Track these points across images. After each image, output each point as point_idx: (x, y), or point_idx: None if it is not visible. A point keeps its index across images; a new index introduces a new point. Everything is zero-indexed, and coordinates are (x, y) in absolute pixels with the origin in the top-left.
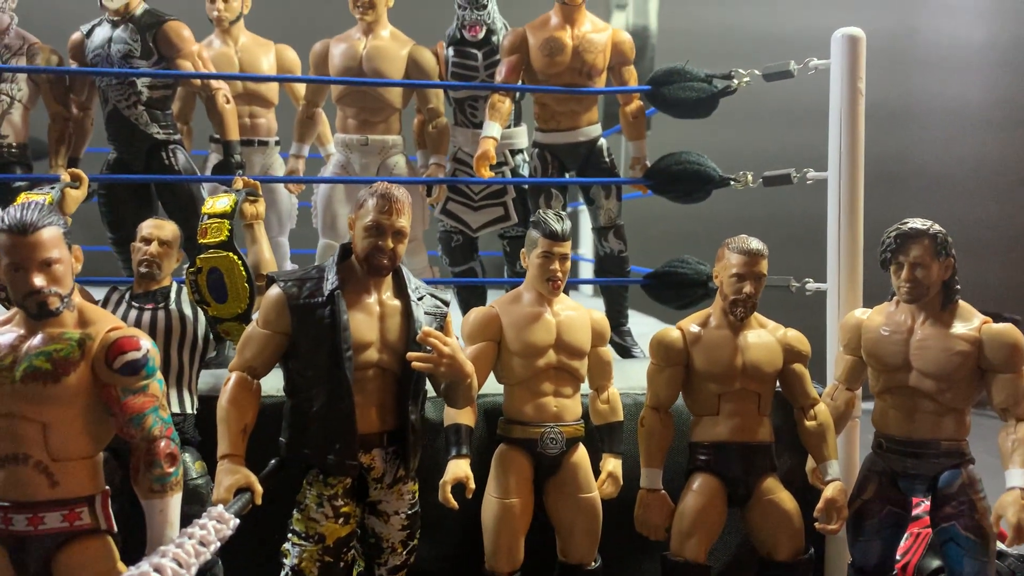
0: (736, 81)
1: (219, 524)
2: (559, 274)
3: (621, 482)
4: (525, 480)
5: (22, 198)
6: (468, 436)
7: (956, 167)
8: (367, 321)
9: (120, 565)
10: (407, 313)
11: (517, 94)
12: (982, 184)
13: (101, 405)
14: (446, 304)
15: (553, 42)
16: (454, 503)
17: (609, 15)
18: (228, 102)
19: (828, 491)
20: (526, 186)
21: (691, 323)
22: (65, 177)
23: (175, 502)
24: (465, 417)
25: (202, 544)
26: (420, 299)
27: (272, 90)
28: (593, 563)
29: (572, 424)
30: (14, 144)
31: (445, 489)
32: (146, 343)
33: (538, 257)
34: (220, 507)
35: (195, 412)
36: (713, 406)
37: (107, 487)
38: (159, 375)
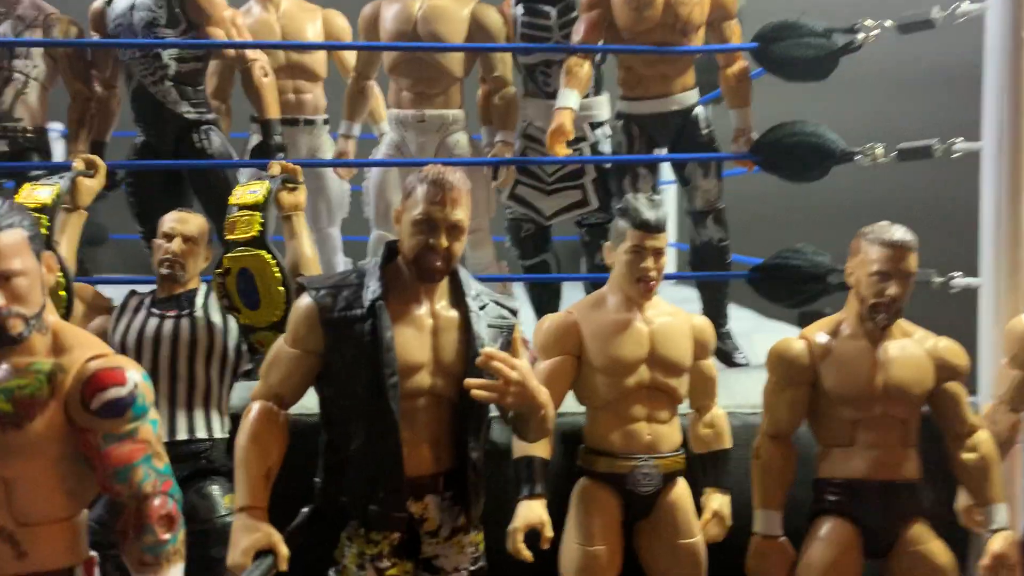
0: (862, 35)
1: None
2: (652, 273)
3: (729, 522)
4: (613, 523)
5: (26, 189)
6: (543, 471)
7: None
8: (417, 338)
9: None
10: (466, 326)
11: (598, 57)
12: None
13: (79, 454)
14: (514, 313)
15: None
16: (527, 554)
17: None
18: (266, 75)
19: (996, 543)
20: (608, 165)
21: (818, 331)
22: (78, 164)
23: (174, 575)
24: (539, 449)
25: None
26: (482, 308)
27: (319, 62)
28: None
29: (669, 456)
30: (29, 128)
31: (516, 537)
32: (134, 375)
33: (627, 253)
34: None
35: (227, 435)
36: (847, 436)
37: (93, 553)
38: (152, 414)
